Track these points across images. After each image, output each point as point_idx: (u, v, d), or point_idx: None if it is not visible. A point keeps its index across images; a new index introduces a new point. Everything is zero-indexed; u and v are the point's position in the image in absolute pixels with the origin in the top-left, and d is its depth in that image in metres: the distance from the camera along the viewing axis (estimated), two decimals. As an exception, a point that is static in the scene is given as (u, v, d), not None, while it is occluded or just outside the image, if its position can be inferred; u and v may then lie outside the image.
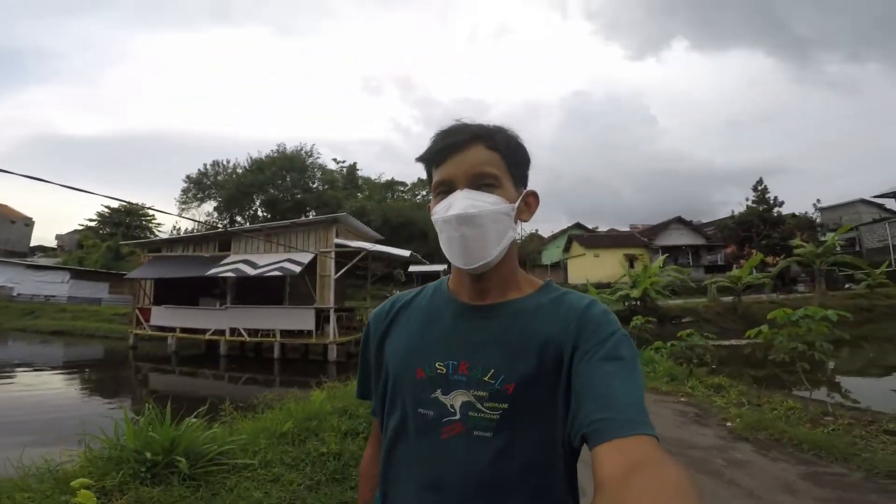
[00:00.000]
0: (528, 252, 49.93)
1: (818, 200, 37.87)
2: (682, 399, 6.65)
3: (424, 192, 53.97)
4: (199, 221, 44.80)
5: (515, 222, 0.85)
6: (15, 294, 29.81)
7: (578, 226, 49.38)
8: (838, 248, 22.51)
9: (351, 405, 5.20)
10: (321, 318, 15.75)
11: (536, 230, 56.18)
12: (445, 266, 30.10)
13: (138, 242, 23.25)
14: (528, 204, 0.89)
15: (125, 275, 21.87)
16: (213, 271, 15.96)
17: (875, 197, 34.46)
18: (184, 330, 16.85)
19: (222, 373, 14.97)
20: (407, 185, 53.92)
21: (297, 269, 14.91)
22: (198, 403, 4.48)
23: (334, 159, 52.91)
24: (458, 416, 0.78)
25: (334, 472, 3.67)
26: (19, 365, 16.18)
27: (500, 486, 0.75)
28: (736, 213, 36.01)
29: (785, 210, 34.26)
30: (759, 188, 34.30)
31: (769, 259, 27.31)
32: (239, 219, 47.85)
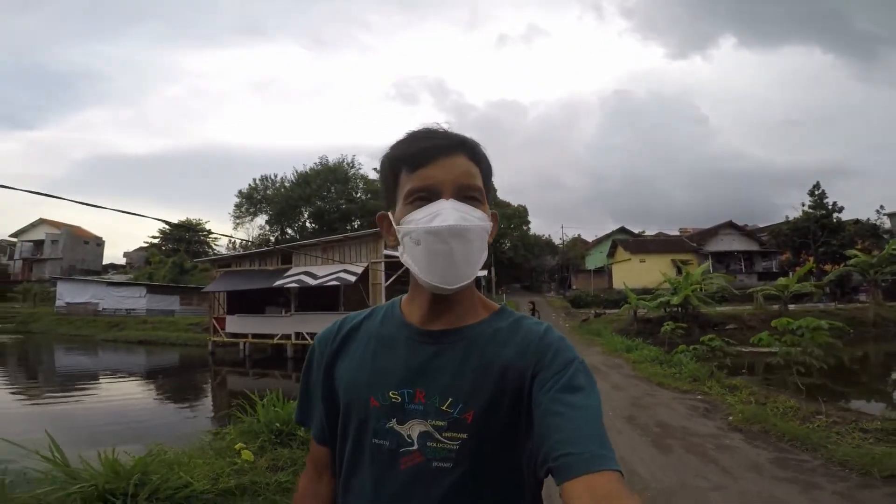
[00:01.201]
0: (571, 257, 50.23)
1: (882, 207, 34.99)
2: (699, 397, 7.43)
3: (461, 198, 55.35)
4: (246, 240, 48.16)
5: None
6: (101, 309, 33.41)
7: (623, 230, 48.68)
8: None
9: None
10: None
11: (580, 234, 56.20)
12: (486, 272, 31.43)
13: (209, 259, 25.98)
14: (493, 226, 0.84)
15: (202, 288, 24.60)
16: (278, 283, 18.08)
17: None
18: (255, 336, 19.09)
19: (289, 372, 16.80)
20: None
21: (352, 279, 16.80)
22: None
23: (375, 169, 55.08)
24: (415, 447, 0.75)
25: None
26: (119, 372, 18.92)
27: None
28: (791, 217, 34.45)
29: (846, 215, 32.42)
30: (817, 192, 32.51)
31: (827, 267, 26.60)
32: (289, 231, 50.85)
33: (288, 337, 18.32)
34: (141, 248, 54.76)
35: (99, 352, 24.35)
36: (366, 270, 17.52)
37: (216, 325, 20.35)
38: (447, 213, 0.74)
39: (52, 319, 32.77)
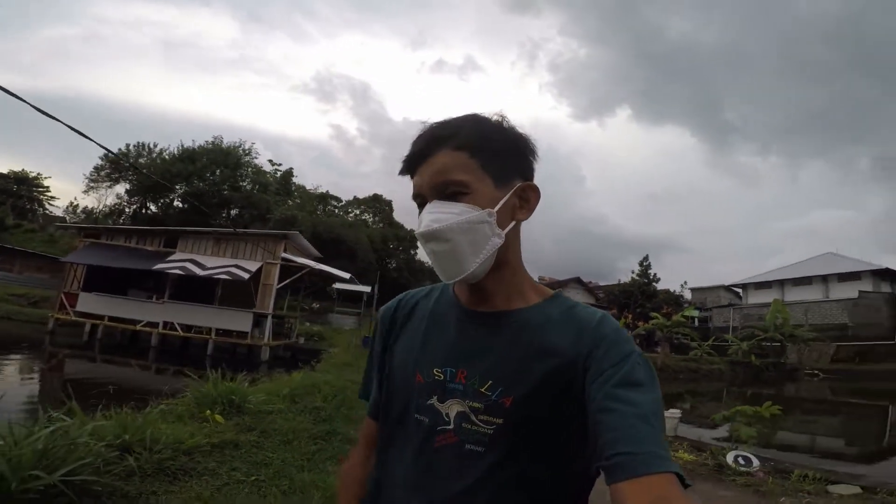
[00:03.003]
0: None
1: (685, 282, 45.83)
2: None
3: (358, 211, 55.66)
4: (95, 208, 42.23)
5: (509, 223, 0.78)
6: None
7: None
8: (696, 322, 27.74)
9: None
10: (258, 321, 17.17)
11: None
12: (370, 288, 32.03)
13: (75, 225, 22.75)
14: (526, 200, 0.81)
15: (59, 259, 21.19)
16: (160, 266, 16.79)
17: (732, 285, 42.55)
18: (112, 319, 17.19)
19: (150, 363, 15.59)
20: (341, 202, 55.06)
21: (246, 275, 16.44)
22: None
23: (270, 161, 52.37)
24: (451, 426, 0.76)
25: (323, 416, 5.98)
26: None
27: None
28: (622, 281, 42.88)
29: (662, 285, 41.18)
30: (645, 263, 40.94)
31: (640, 323, 33.21)
32: (152, 207, 45.76)
33: (155, 325, 16.96)
34: None
35: None
36: (260, 269, 17.19)
37: (65, 300, 17.84)
38: (423, 218, 0.76)
39: None
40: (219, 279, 17.27)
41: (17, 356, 15.01)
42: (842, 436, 12.92)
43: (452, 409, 0.77)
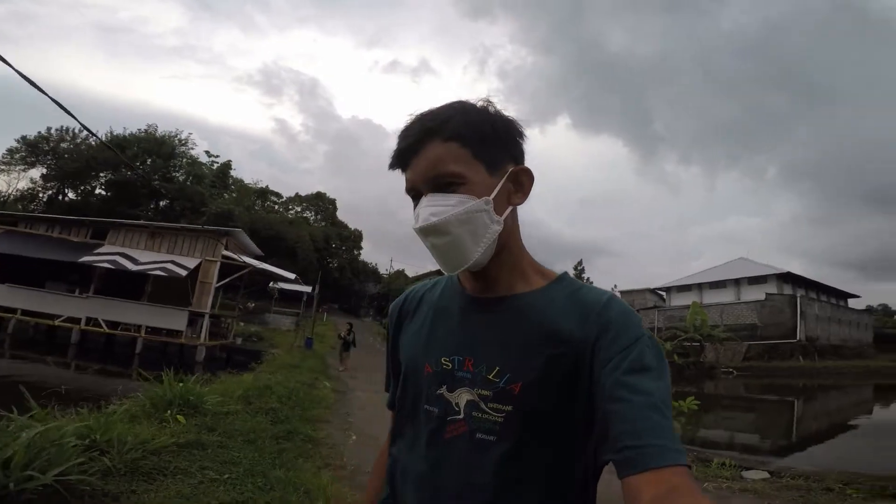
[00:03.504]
0: (393, 288, 53.22)
1: (615, 285, 48.13)
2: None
3: (299, 209, 53.98)
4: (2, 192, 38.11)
5: (506, 209, 0.78)
6: None
7: (440, 272, 53.84)
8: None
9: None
10: (193, 320, 16.31)
11: (404, 269, 60.08)
12: (310, 288, 31.23)
13: None
14: (520, 184, 0.80)
15: None
16: (86, 259, 15.49)
17: (657, 288, 45.62)
18: (25, 312, 15.63)
19: (69, 360, 14.53)
20: (282, 198, 53.24)
21: (183, 272, 15.56)
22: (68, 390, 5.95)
23: (207, 152, 49.69)
24: (461, 416, 0.75)
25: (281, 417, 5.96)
26: None
27: (501, 495, 0.71)
28: None
29: None
30: (579, 267, 43.20)
31: None
32: (71, 194, 41.96)
33: (77, 321, 15.61)
34: None
35: None
36: (198, 266, 16.33)
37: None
38: (419, 213, 0.75)
39: None
40: (149, 275, 16.24)
41: None
42: (755, 431, 14.02)
43: (462, 397, 0.76)
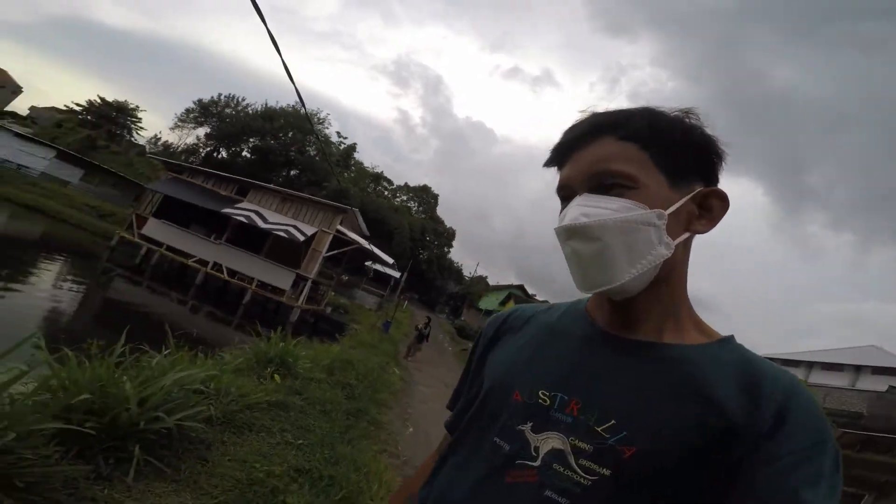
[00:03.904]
0: (471, 291, 53.78)
1: None
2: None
3: (405, 198, 56.65)
4: (174, 143, 44.97)
5: (682, 234, 0.64)
6: None
7: (521, 288, 53.10)
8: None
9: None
10: (297, 282, 17.92)
11: (487, 276, 60.30)
12: (399, 274, 32.69)
13: (164, 159, 24.94)
14: (708, 208, 0.65)
15: (135, 182, 22.72)
16: (228, 210, 17.83)
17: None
18: (169, 249, 18.32)
19: (188, 298, 16.45)
20: (392, 185, 56.14)
21: (302, 237, 17.28)
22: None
23: (338, 132, 54.73)
24: (537, 463, 0.61)
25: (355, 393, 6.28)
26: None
27: None
28: None
29: None
30: None
31: None
32: (224, 153, 48.50)
33: (205, 264, 17.89)
34: (53, 108, 48.38)
35: None
36: (314, 235, 17.96)
37: (135, 221, 19.16)
38: (567, 211, 0.64)
39: None
40: (272, 234, 18.10)
41: (69, 263, 15.80)
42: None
43: (547, 443, 0.62)
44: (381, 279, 34.67)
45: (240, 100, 49.13)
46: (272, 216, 18.27)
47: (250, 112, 47.94)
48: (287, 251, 18.94)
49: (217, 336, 11.60)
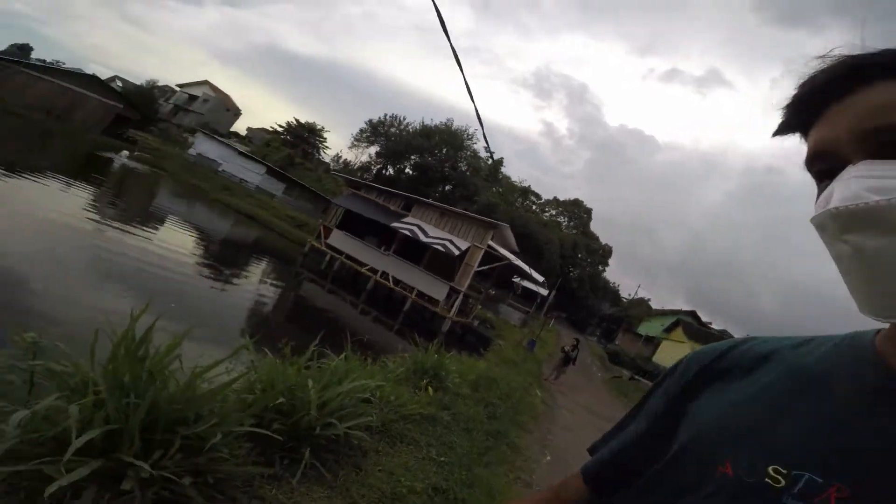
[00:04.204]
0: (628, 314, 49.69)
1: None
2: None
3: (554, 212, 55.65)
4: (348, 160, 51.46)
5: None
6: (220, 170, 37.09)
7: (693, 314, 47.21)
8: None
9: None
10: (450, 294, 19.03)
11: (648, 299, 55.08)
12: (546, 292, 32.21)
13: (345, 175, 29.46)
14: None
15: (306, 187, 27.04)
16: (396, 225, 20.06)
17: None
18: (348, 257, 21.20)
19: (359, 302, 18.69)
20: (540, 199, 55.68)
21: (456, 252, 18.42)
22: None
23: (485, 148, 56.49)
24: None
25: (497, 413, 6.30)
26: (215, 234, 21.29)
27: None
28: None
29: None
30: None
31: None
32: (390, 170, 54.03)
33: (375, 272, 20.19)
34: (263, 129, 59.88)
35: (210, 211, 26.28)
36: (467, 249, 18.92)
37: (323, 231, 22.66)
38: (839, 187, 0.44)
39: (180, 163, 35.76)
40: (430, 247, 19.59)
41: (271, 265, 19.55)
42: None
43: None
44: (528, 296, 34.49)
45: (401, 119, 54.51)
46: (432, 230, 19.78)
47: (410, 130, 52.64)
48: (443, 264, 20.26)
49: (383, 341, 12.91)
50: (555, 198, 56.04)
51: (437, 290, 18.92)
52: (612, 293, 56.31)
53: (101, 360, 2.12)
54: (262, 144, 51.09)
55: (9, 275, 6.96)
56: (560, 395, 12.31)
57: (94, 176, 20.07)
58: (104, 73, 51.18)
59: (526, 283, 29.71)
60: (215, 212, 26.50)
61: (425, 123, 52.24)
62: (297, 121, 53.26)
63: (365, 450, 3.26)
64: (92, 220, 12.81)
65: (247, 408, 2.53)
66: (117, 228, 13.15)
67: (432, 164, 50.07)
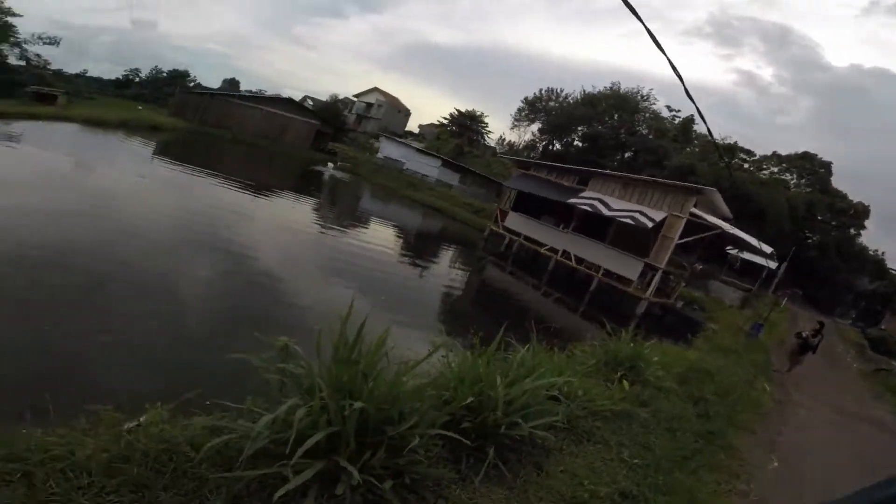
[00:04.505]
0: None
1: None
2: None
3: (776, 169, 45.50)
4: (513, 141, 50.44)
5: None
6: (404, 168, 40.55)
7: None
8: None
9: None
10: (645, 272, 17.01)
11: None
12: (775, 265, 25.86)
13: (512, 157, 29.40)
14: None
15: (477, 173, 27.64)
16: (572, 200, 18.94)
17: None
18: (526, 238, 21.07)
19: (542, 285, 18.27)
20: (754, 156, 46.27)
21: (650, 223, 16.27)
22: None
23: (668, 107, 49.47)
24: None
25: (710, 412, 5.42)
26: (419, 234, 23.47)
27: None
28: None
29: None
30: None
31: None
32: (557, 145, 51.91)
33: (555, 251, 19.52)
34: (432, 125, 63.96)
35: (401, 207, 29.06)
36: (664, 220, 16.69)
37: (499, 216, 23.05)
38: None
39: (371, 168, 40.06)
40: (614, 221, 17.99)
41: (456, 251, 20.95)
42: None
43: None
44: (748, 270, 29.04)
45: (559, 91, 51.50)
46: (616, 203, 18.09)
47: (571, 102, 49.51)
48: (633, 238, 18.27)
49: (570, 326, 12.54)
50: (774, 153, 45.74)
51: (628, 267, 17.20)
52: (872, 263, 43.22)
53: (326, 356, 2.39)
54: (433, 139, 54.36)
55: (269, 274, 9.35)
56: (795, 390, 10.14)
57: (312, 188, 25.15)
58: (296, 95, 60.88)
59: (746, 255, 25.16)
60: (406, 207, 29.53)
61: (587, 91, 48.63)
62: (458, 111, 54.58)
63: (548, 449, 3.15)
64: (317, 225, 16.56)
65: (443, 406, 2.59)
66: (337, 231, 16.49)
67: (603, 132, 46.29)
